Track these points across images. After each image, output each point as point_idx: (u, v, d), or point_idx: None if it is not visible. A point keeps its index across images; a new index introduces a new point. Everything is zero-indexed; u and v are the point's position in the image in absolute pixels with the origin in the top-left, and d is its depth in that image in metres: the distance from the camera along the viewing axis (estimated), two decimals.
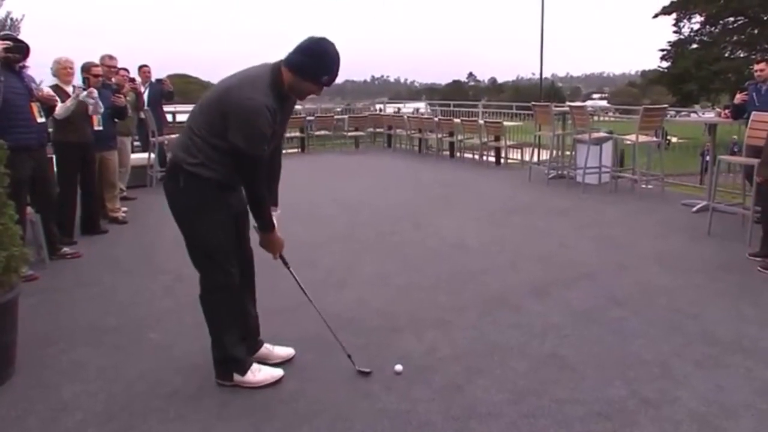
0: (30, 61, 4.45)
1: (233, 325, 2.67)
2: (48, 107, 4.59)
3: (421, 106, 19.09)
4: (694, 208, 6.03)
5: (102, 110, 5.34)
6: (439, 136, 10.90)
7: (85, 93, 4.99)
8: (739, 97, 5.68)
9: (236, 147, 2.38)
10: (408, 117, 12.46)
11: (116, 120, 5.97)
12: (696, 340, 3.05)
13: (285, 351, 2.93)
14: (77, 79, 5.35)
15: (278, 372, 2.73)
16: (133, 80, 7.34)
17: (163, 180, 2.74)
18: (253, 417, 2.44)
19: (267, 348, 2.90)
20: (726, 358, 2.86)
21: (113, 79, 6.33)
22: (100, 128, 5.44)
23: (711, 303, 3.56)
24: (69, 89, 5.05)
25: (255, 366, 2.71)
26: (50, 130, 5.12)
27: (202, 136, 2.45)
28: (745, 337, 3.07)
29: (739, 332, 3.13)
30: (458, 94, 57.83)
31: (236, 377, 2.66)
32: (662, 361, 2.83)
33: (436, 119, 11.26)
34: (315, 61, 2.43)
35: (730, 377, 2.67)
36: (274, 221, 2.65)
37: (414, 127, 11.74)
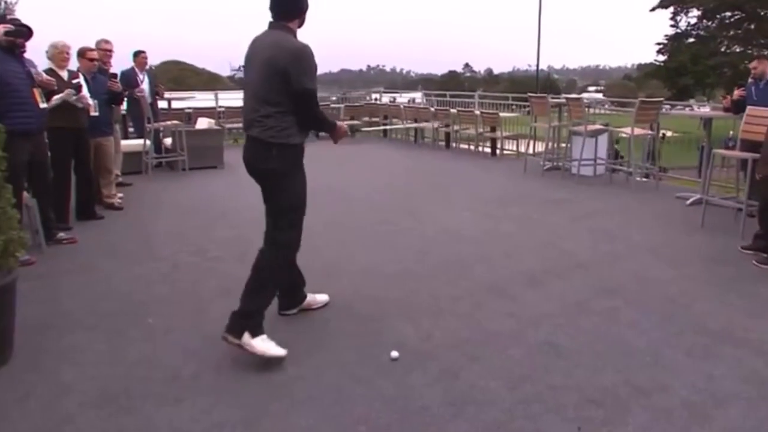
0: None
1: (278, 286, 2.97)
2: (47, 92, 4.55)
3: (417, 96, 19.03)
4: (688, 201, 6.07)
5: (96, 111, 5.28)
6: (435, 126, 10.91)
7: (75, 98, 4.91)
8: (737, 93, 5.72)
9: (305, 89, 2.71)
10: (404, 107, 12.43)
11: (113, 105, 5.95)
12: (687, 330, 3.10)
13: (323, 297, 3.39)
14: (73, 64, 5.29)
15: (281, 351, 2.73)
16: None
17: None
18: (251, 401, 2.46)
19: (311, 296, 3.31)
20: (716, 347, 2.91)
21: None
22: (97, 114, 5.40)
23: (703, 294, 3.61)
24: (64, 74, 5.00)
25: (264, 336, 2.74)
26: None
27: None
28: (735, 328, 3.12)
29: (729, 323, 3.18)
30: (454, 85, 57.59)
31: (245, 337, 2.68)
32: (654, 350, 2.87)
33: (432, 109, 11.25)
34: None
35: (720, 366, 2.72)
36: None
37: (410, 117, 11.74)
